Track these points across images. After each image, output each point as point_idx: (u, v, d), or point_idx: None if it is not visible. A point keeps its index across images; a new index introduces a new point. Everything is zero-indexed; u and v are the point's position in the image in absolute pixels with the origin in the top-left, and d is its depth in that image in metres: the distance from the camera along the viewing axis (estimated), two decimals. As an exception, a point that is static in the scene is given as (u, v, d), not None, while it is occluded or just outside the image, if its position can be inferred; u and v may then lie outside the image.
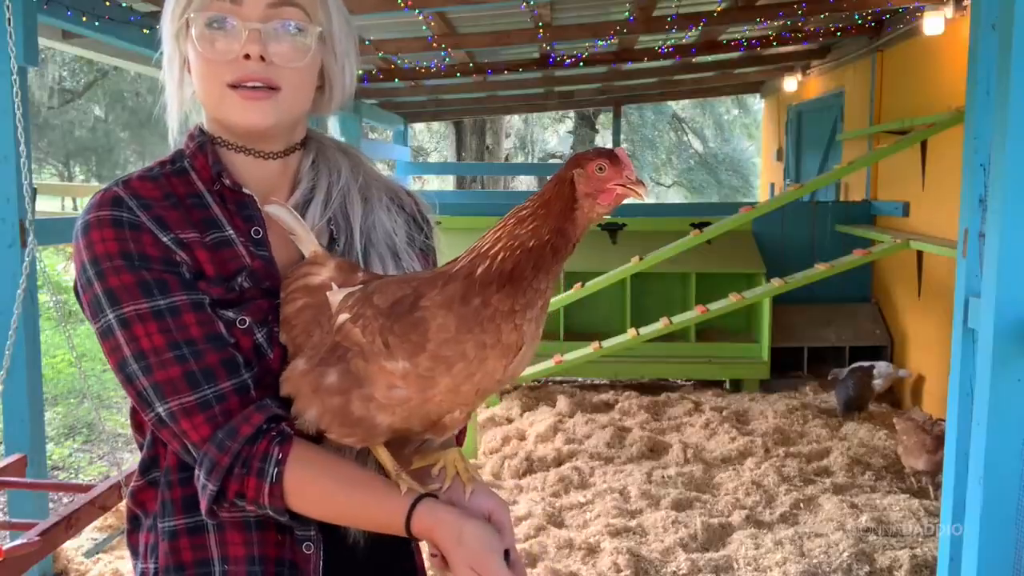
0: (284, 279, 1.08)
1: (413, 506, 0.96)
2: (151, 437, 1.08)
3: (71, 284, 1.08)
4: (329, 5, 1.12)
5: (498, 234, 0.92)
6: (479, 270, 0.91)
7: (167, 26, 1.09)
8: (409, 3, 4.97)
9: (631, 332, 5.72)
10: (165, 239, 1.03)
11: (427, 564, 1.06)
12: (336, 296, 1.01)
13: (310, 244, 1.08)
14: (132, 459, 4.84)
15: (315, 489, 0.98)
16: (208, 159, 1.10)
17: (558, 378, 6.41)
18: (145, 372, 0.98)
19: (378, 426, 0.96)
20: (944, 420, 2.91)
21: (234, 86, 1.05)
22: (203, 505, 0.98)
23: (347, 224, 1.15)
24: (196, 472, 0.99)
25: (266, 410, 1.00)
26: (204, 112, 1.13)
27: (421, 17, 5.58)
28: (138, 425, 1.12)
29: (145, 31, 4.21)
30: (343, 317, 0.98)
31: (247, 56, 1.04)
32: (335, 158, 1.18)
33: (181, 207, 1.06)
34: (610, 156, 0.91)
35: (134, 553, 1.13)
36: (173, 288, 1.01)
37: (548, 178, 1.04)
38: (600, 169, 0.92)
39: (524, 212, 0.93)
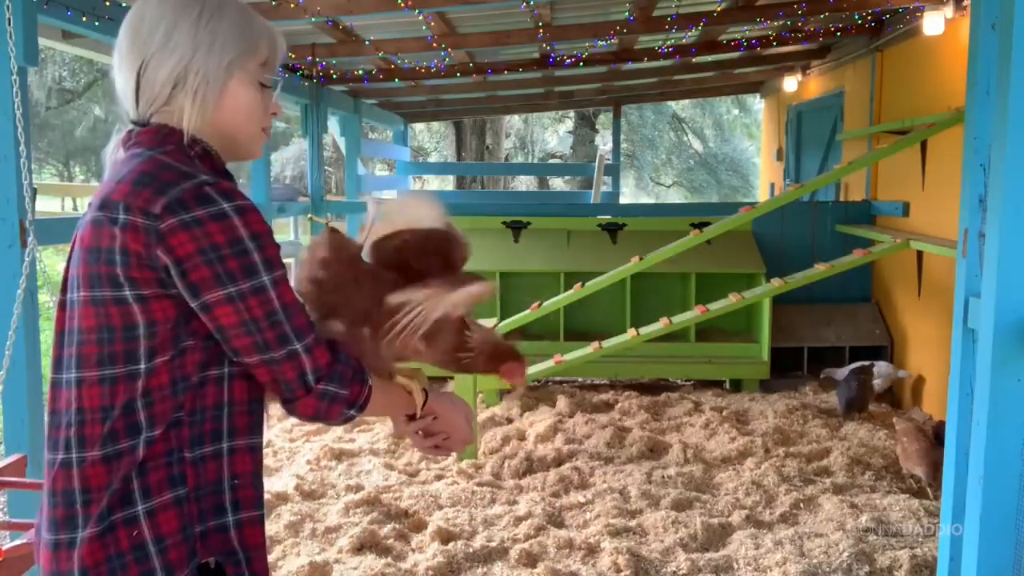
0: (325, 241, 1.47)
1: (425, 394, 1.54)
2: (184, 384, 1.28)
3: (213, 255, 1.24)
4: None
5: (477, 344, 1.52)
6: (463, 356, 1.53)
7: (219, 54, 1.34)
8: (409, 3, 4.97)
9: (631, 332, 5.71)
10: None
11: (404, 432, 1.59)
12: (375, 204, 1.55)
13: (375, 235, 1.53)
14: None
15: (378, 393, 1.40)
16: (214, 164, 1.37)
17: (558, 378, 6.41)
18: (290, 318, 1.28)
19: (391, 360, 1.50)
20: (943, 422, 2.91)
21: (263, 130, 1.44)
22: (336, 410, 1.34)
23: None
24: (319, 387, 1.31)
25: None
26: (205, 128, 1.37)
27: (421, 17, 5.58)
28: (136, 387, 1.26)
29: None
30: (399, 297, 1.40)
31: (275, 114, 1.46)
32: None
33: None
34: (523, 365, 1.58)
35: (122, 502, 1.26)
36: None
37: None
38: (516, 370, 1.56)
39: (485, 351, 1.53)
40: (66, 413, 1.28)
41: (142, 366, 1.25)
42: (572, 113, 19.04)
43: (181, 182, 1.25)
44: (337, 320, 1.41)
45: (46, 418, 1.33)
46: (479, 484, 4.28)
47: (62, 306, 1.33)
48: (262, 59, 1.39)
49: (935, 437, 4.23)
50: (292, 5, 4.89)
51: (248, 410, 1.33)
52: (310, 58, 6.26)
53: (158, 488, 1.27)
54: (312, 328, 1.32)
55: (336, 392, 1.33)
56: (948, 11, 5.22)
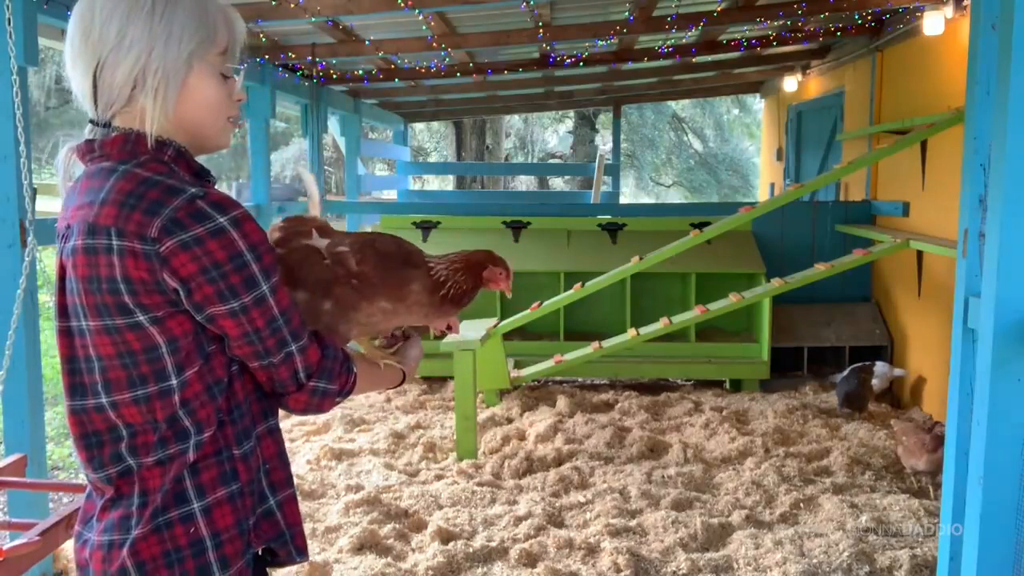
0: (281, 226, 1.53)
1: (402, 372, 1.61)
2: (218, 388, 1.30)
3: (223, 273, 1.23)
4: None
5: (447, 271, 1.53)
6: (442, 290, 1.53)
7: (177, 48, 1.28)
8: (409, 3, 4.97)
9: (631, 332, 5.72)
10: None
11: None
12: (320, 242, 1.50)
13: (318, 207, 1.60)
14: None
15: (363, 377, 1.45)
16: (189, 164, 1.34)
17: (558, 378, 6.41)
18: (288, 322, 1.30)
19: (349, 336, 1.53)
20: (943, 421, 2.91)
21: (229, 119, 1.39)
22: (328, 403, 1.39)
23: None
24: (310, 384, 1.35)
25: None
26: (169, 125, 1.32)
27: (421, 17, 5.58)
28: (178, 400, 1.28)
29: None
30: (343, 248, 1.48)
31: (240, 100, 1.40)
32: None
33: None
34: (507, 269, 1.58)
35: (176, 501, 1.29)
36: None
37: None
38: (501, 273, 1.57)
39: (459, 267, 1.54)
40: (111, 431, 1.28)
41: (173, 382, 1.26)
42: (572, 113, 19.05)
43: (171, 199, 1.21)
44: (300, 291, 1.46)
45: (74, 441, 1.33)
46: (479, 484, 4.28)
47: (65, 332, 1.30)
48: (222, 47, 1.34)
49: (930, 433, 4.23)
50: (292, 5, 4.89)
51: (257, 397, 1.36)
52: (310, 58, 6.26)
53: (212, 486, 1.31)
54: (305, 326, 1.35)
55: (326, 388, 1.38)
56: (948, 11, 5.22)
